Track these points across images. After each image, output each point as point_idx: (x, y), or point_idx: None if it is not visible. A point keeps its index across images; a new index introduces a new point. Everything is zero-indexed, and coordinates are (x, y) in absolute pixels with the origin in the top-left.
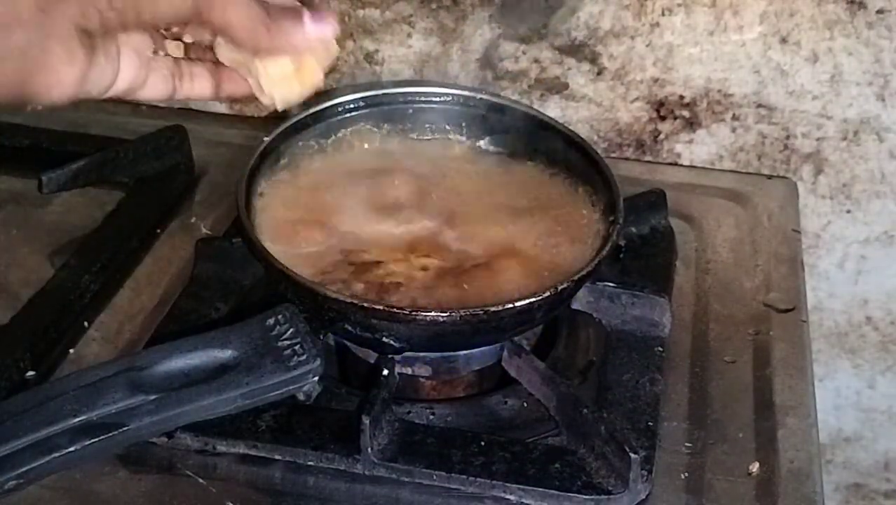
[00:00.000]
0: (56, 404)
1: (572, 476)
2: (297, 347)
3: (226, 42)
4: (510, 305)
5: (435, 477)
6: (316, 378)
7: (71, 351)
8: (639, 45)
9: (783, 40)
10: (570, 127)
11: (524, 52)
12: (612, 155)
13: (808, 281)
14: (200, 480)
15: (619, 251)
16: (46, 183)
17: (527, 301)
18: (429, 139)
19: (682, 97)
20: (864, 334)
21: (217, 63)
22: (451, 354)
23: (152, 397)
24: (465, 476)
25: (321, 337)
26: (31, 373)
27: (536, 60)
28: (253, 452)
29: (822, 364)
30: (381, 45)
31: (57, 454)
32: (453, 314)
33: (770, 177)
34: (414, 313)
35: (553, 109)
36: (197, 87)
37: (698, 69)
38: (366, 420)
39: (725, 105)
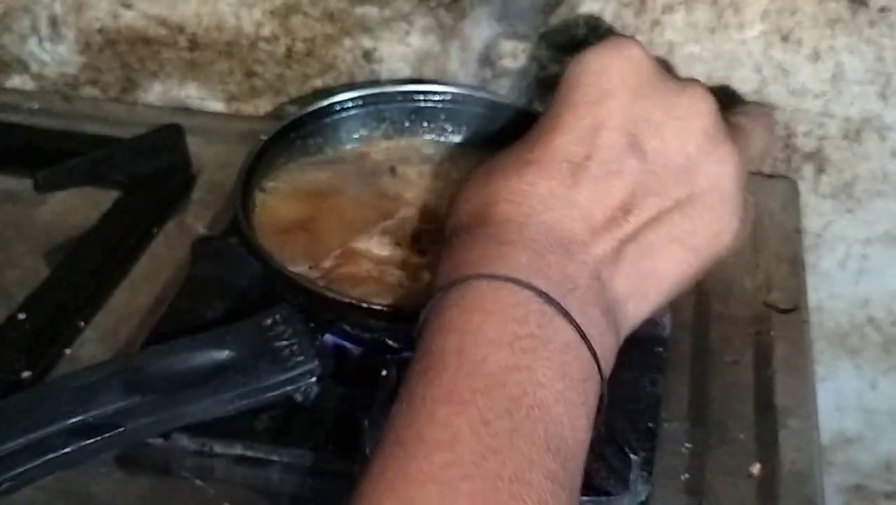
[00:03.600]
0: (51, 405)
1: None
2: (294, 348)
3: None
4: None
5: None
6: (314, 379)
7: (66, 351)
8: None
9: (784, 39)
10: None
11: (524, 51)
12: None
13: (810, 281)
14: (197, 482)
15: None
16: (41, 182)
17: None
18: (428, 138)
19: None
20: (865, 335)
21: None
22: None
23: (149, 398)
24: None
25: (319, 337)
26: (26, 373)
27: (536, 59)
28: (250, 454)
29: (823, 365)
30: (379, 44)
31: (52, 455)
32: None
33: (771, 176)
34: (413, 314)
35: None
36: None
37: (699, 67)
38: (365, 421)
39: (726, 104)
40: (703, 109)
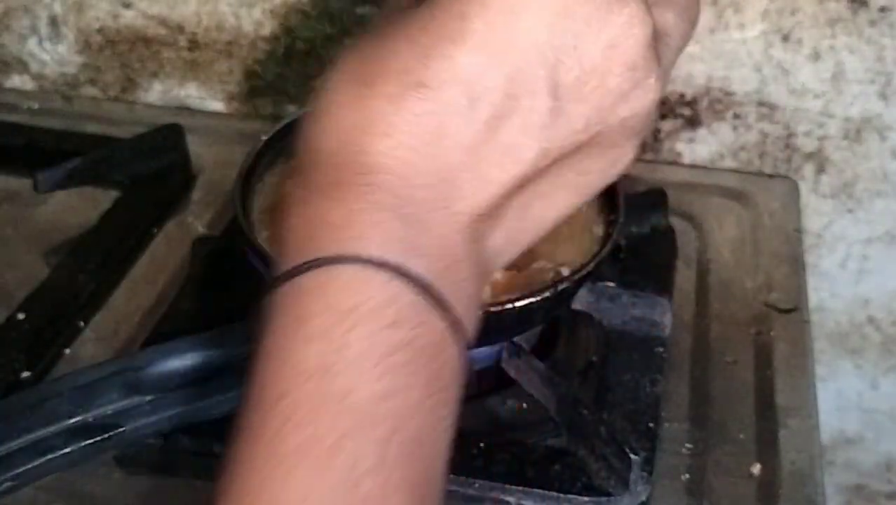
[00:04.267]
0: (51, 405)
1: (573, 478)
2: None
3: None
4: (510, 306)
5: None
6: None
7: (66, 351)
8: None
9: (785, 38)
10: None
11: None
12: None
13: (810, 281)
14: (197, 483)
15: (618, 251)
16: (41, 182)
17: (526, 301)
18: None
19: (682, 95)
20: (866, 335)
21: None
22: None
23: (148, 398)
24: (464, 478)
25: None
26: (26, 373)
27: None
28: None
29: (823, 365)
30: None
31: (52, 456)
32: None
33: (771, 176)
34: None
35: None
36: None
37: (699, 67)
38: None
39: (727, 103)
40: (636, 36)
